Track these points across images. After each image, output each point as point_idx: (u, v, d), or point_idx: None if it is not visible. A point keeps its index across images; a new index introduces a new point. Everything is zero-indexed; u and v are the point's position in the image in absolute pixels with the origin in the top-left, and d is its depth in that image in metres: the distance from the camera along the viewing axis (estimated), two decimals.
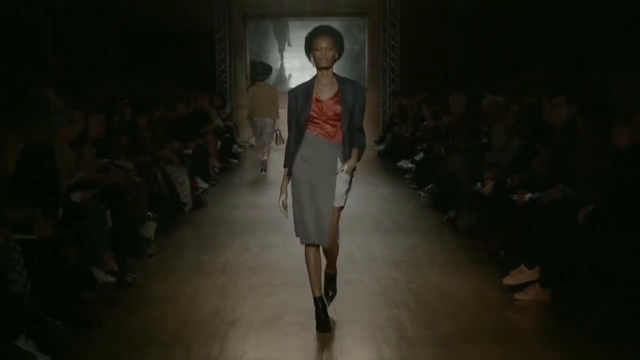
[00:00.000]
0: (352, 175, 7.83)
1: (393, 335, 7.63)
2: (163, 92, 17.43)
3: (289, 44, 23.61)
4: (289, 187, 7.86)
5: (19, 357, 6.72)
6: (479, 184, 11.01)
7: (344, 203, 7.86)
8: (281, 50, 23.73)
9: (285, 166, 7.84)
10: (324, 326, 7.67)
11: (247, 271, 9.96)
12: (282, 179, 7.92)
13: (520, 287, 8.73)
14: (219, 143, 18.99)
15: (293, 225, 7.62)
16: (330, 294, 8.17)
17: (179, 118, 16.75)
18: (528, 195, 9.48)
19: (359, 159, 7.84)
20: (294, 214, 7.78)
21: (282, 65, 23.79)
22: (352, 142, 7.67)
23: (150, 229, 11.06)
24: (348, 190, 7.84)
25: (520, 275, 8.80)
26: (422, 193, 14.87)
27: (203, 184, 15.60)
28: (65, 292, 7.73)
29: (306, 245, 7.80)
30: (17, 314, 6.82)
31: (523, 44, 19.82)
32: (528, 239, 8.97)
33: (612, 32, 16.86)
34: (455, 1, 21.56)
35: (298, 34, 23.36)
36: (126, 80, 17.44)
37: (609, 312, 7.53)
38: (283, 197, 7.84)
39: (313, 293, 7.83)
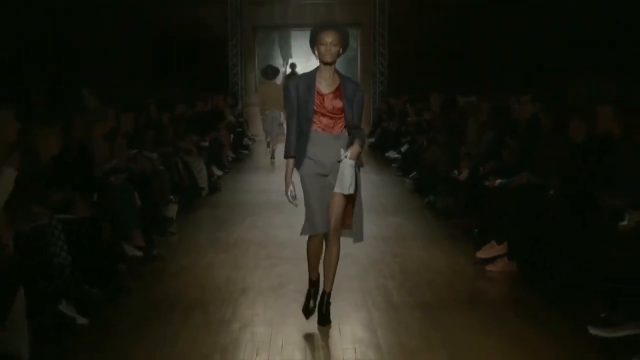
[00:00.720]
0: (359, 165, 6.81)
1: (381, 301, 7.64)
2: (184, 92, 17.38)
3: (290, 56, 23.59)
4: (296, 177, 6.88)
5: (61, 319, 6.70)
6: (455, 172, 11.03)
7: (354, 191, 6.73)
8: (284, 57, 23.69)
9: (286, 157, 6.91)
10: (307, 311, 6.96)
11: (256, 246, 9.98)
12: (285, 170, 6.96)
13: (491, 260, 8.72)
14: (232, 136, 19.01)
15: (292, 205, 6.91)
16: (324, 314, 6.93)
17: (197, 115, 16.76)
18: (498, 181, 9.49)
19: (361, 149, 6.75)
20: (307, 213, 6.84)
21: (285, 69, 23.80)
22: (354, 136, 6.70)
23: (172, 211, 11.06)
24: (356, 180, 6.75)
25: (490, 249, 8.81)
26: (406, 179, 14.85)
27: (218, 172, 15.59)
28: (100, 265, 7.72)
29: (309, 237, 6.93)
30: (59, 282, 6.81)
31: (493, 52, 19.80)
32: (498, 218, 8.97)
33: (567, 44, 16.87)
34: (435, 17, 21.54)
35: (299, 42, 23.38)
36: (152, 83, 17.40)
37: (565, 281, 7.52)
38: (291, 188, 6.90)
39: (310, 276, 7.04)
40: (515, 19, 19.67)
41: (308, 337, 6.68)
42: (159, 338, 6.60)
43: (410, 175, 14.66)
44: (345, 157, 6.53)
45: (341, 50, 6.88)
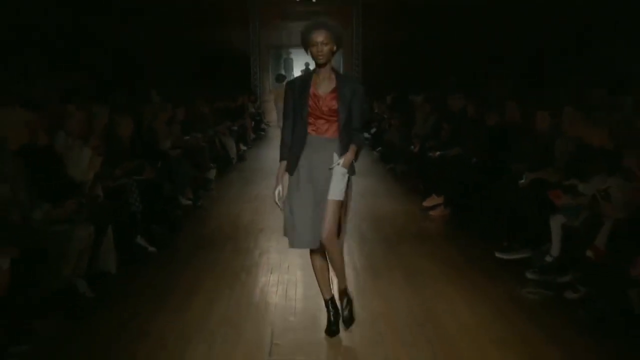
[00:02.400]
0: (351, 173, 4.81)
1: (357, 236, 7.65)
2: (219, 92, 17.32)
3: (291, 69, 23.51)
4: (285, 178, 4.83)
5: (138, 249, 6.82)
6: (412, 147, 10.92)
7: (343, 198, 4.79)
8: (287, 70, 23.65)
9: (281, 158, 4.79)
10: (331, 331, 4.83)
11: (270, 198, 9.88)
12: (278, 169, 4.85)
13: (432, 208, 8.77)
14: (253, 123, 19.03)
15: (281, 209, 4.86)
16: (346, 315, 4.87)
17: (229, 107, 16.77)
18: (437, 153, 9.48)
19: (356, 156, 4.84)
20: (285, 216, 4.85)
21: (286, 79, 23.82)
22: (350, 139, 4.71)
23: (212, 174, 11.02)
24: (347, 187, 4.83)
25: (432, 200, 8.86)
26: (374, 152, 14.81)
27: (243, 147, 15.55)
28: (163, 211, 7.79)
29: (311, 252, 4.97)
30: (134, 223, 6.89)
31: (435, 63, 19.78)
32: (438, 179, 8.99)
33: (486, 57, 16.87)
34: (395, 39, 21.49)
35: (299, 57, 23.43)
36: (197, 86, 17.35)
37: (482, 221, 7.59)
38: (279, 188, 4.79)
39: (323, 296, 4.97)
40: (450, 42, 19.70)
41: (306, 261, 6.44)
42: (203, 261, 6.67)
43: (377, 149, 14.64)
44: (338, 164, 4.68)
45: (335, 47, 4.69)
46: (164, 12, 19.61)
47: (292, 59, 23.10)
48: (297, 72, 23.40)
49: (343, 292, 4.93)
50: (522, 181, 6.80)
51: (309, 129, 4.68)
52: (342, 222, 4.89)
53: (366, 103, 4.88)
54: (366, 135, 16.91)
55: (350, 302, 4.89)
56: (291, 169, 4.71)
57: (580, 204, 5.75)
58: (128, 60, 16.48)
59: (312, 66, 4.89)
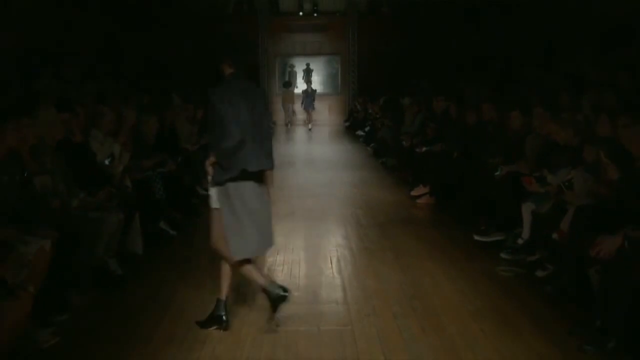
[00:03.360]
0: (214, 182, 4.22)
1: (353, 222, 7.68)
2: None
3: (295, 78, 23.44)
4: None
5: (161, 232, 6.82)
6: (403, 142, 10.92)
7: (217, 207, 4.33)
8: (290, 76, 23.59)
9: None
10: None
11: (276, 189, 9.79)
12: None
13: (419, 196, 8.76)
14: None
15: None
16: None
17: None
18: (424, 148, 9.48)
19: (219, 164, 4.14)
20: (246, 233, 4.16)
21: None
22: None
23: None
24: (224, 197, 4.22)
25: (419, 190, 8.84)
26: (368, 148, 14.78)
27: None
28: (183, 199, 7.78)
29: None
30: (159, 209, 6.90)
31: (421, 72, 19.78)
32: (424, 171, 8.97)
33: (467, 65, 16.87)
34: (384, 51, 21.49)
35: (300, 64, 23.39)
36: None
37: (462, 207, 7.58)
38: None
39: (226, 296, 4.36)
40: (431, 55, 19.75)
41: (308, 244, 6.71)
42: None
43: (370, 145, 14.61)
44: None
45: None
46: (185, 23, 19.63)
47: (295, 72, 23.21)
48: (300, 80, 23.28)
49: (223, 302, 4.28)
50: (498, 173, 6.79)
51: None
52: (224, 233, 4.11)
53: (212, 115, 4.04)
54: (361, 133, 17.02)
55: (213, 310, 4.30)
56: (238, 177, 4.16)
57: (548, 191, 5.77)
58: (153, 66, 16.50)
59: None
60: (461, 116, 8.92)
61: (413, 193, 8.92)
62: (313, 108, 21.75)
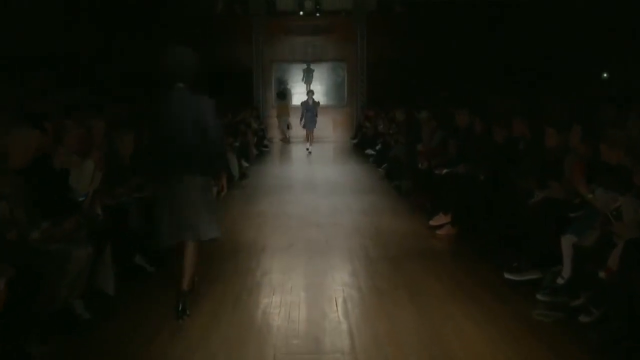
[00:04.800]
0: None
1: (362, 256, 7.66)
2: (221, 108, 17.41)
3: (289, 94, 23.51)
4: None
5: (136, 268, 6.80)
6: (419, 163, 10.83)
7: None
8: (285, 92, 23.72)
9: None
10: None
11: (273, 216, 9.97)
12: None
13: (439, 226, 8.74)
14: (255, 138, 19.04)
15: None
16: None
17: (232, 122, 16.76)
18: (444, 170, 9.49)
19: None
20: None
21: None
22: None
23: (214, 191, 11.02)
24: None
25: (439, 219, 8.82)
26: (379, 169, 14.80)
27: (245, 164, 15.52)
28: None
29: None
30: (134, 241, 6.86)
31: (437, 80, 19.89)
32: (445, 196, 8.96)
33: (491, 74, 16.95)
34: (398, 55, 21.59)
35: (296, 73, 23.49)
36: None
37: (490, 240, 7.59)
38: None
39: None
40: (446, 61, 19.87)
41: (309, 282, 6.68)
42: (203, 281, 6.56)
43: (382, 166, 14.61)
44: None
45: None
46: (169, 26, 19.76)
47: (290, 89, 23.24)
48: (298, 84, 23.40)
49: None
50: (532, 199, 6.78)
51: None
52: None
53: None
54: (371, 152, 17.05)
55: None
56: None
57: (592, 212, 5.72)
58: (133, 75, 16.58)
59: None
60: (488, 132, 8.91)
61: (432, 222, 8.91)
62: (315, 126, 20.20)
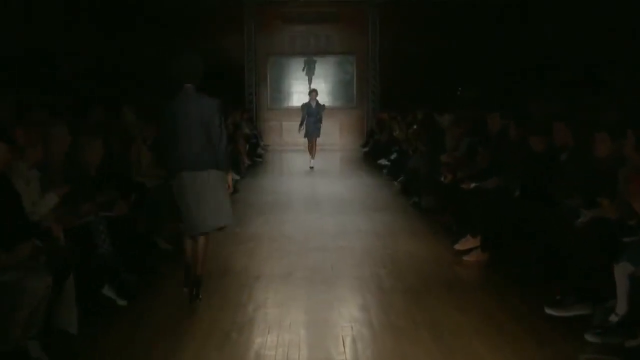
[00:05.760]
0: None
1: (373, 286, 7.65)
2: None
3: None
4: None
5: (104, 301, 6.77)
6: (442, 178, 10.82)
7: None
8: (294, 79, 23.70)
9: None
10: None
11: (268, 239, 9.95)
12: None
13: (467, 251, 8.71)
14: (247, 146, 19.00)
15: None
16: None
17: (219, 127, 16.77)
18: (472, 185, 9.45)
19: None
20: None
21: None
22: None
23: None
24: None
25: (466, 242, 8.80)
26: (395, 182, 14.80)
27: (235, 176, 15.44)
28: (136, 255, 7.78)
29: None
30: (102, 269, 6.85)
31: (462, 77, 19.93)
32: (473, 215, 8.94)
33: (526, 72, 16.99)
34: (418, 46, 21.64)
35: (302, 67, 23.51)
36: None
37: (528, 268, 7.57)
38: None
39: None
40: (481, 52, 19.88)
41: (312, 318, 6.67)
42: (185, 317, 6.60)
43: (398, 179, 14.61)
44: None
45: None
46: (146, 17, 19.86)
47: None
48: (298, 80, 23.52)
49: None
50: (580, 220, 6.78)
51: None
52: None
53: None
54: (384, 162, 17.04)
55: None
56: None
57: None
58: (103, 74, 16.64)
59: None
60: (524, 139, 8.89)
61: (458, 247, 8.90)
62: (319, 134, 18.97)
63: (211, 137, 6.78)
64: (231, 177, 7.13)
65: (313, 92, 19.06)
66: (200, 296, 6.98)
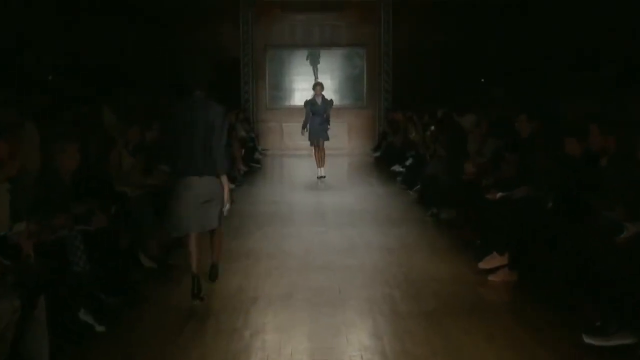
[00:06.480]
0: None
1: (387, 310, 7.62)
2: None
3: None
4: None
5: (80, 327, 6.71)
6: (462, 185, 10.88)
7: None
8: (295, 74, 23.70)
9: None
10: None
11: (267, 256, 9.94)
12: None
13: (492, 270, 8.68)
14: (243, 150, 18.96)
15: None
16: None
17: None
18: (499, 194, 9.44)
19: None
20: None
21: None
22: None
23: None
24: None
25: (492, 260, 8.76)
26: (410, 192, 14.80)
27: (230, 185, 15.48)
28: (117, 274, 7.74)
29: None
30: (77, 291, 6.81)
31: (486, 72, 19.93)
32: (499, 230, 8.91)
33: (563, 66, 17.00)
34: (438, 37, 21.65)
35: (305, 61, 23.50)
36: (168, 100, 17.38)
37: (563, 290, 7.52)
38: None
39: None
40: (514, 41, 19.79)
41: (316, 345, 6.67)
42: (172, 346, 6.58)
43: (415, 188, 14.62)
44: None
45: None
46: (128, 4, 19.87)
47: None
48: (301, 75, 23.54)
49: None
50: (622, 235, 6.76)
51: None
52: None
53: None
54: (398, 168, 17.00)
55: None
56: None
57: None
58: (80, 70, 16.66)
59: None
60: (558, 144, 8.86)
61: (482, 265, 8.88)
62: (327, 137, 17.95)
63: (212, 143, 7.76)
64: (227, 185, 8.07)
65: (318, 86, 17.90)
66: (203, 295, 7.88)
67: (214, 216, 8.06)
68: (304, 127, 17.85)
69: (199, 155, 7.80)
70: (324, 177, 17.42)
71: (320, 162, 17.68)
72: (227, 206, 8.10)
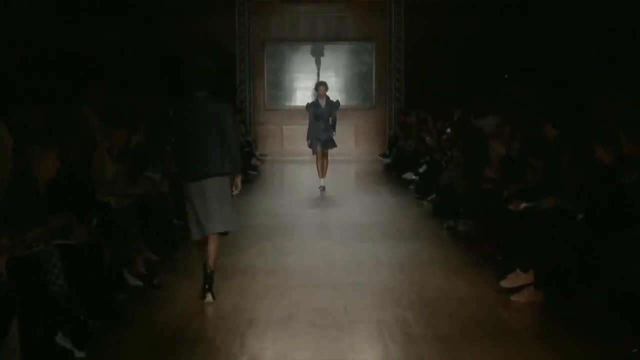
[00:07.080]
0: None
1: (398, 333, 7.62)
2: None
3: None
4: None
5: (57, 352, 6.68)
6: (484, 195, 10.87)
7: None
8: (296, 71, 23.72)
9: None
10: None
11: (265, 273, 9.95)
12: None
13: (516, 290, 8.66)
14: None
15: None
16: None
17: None
18: (523, 205, 9.41)
19: None
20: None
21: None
22: None
23: (177, 235, 11.00)
24: None
25: (516, 278, 8.75)
26: (424, 202, 14.82)
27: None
28: (99, 293, 7.70)
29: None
30: (55, 312, 6.78)
31: (507, 67, 19.95)
32: (523, 245, 8.91)
33: (590, 56, 17.03)
34: (453, 30, 21.67)
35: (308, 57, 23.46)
36: (156, 100, 17.40)
37: (596, 313, 7.47)
38: None
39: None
40: (537, 34, 19.79)
41: None
42: None
43: (429, 198, 14.64)
44: None
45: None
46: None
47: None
48: (302, 74, 23.54)
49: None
50: None
51: None
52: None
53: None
54: (411, 176, 16.99)
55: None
56: None
57: None
58: (62, 57, 16.66)
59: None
60: (588, 150, 8.79)
61: (505, 284, 8.87)
62: (333, 144, 17.46)
63: (225, 142, 8.49)
64: (240, 178, 8.87)
65: (321, 87, 17.38)
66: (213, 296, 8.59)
67: (229, 214, 8.72)
68: (309, 137, 17.34)
69: (209, 156, 8.44)
70: (324, 188, 17.15)
71: (323, 172, 17.33)
72: (235, 192, 8.80)
